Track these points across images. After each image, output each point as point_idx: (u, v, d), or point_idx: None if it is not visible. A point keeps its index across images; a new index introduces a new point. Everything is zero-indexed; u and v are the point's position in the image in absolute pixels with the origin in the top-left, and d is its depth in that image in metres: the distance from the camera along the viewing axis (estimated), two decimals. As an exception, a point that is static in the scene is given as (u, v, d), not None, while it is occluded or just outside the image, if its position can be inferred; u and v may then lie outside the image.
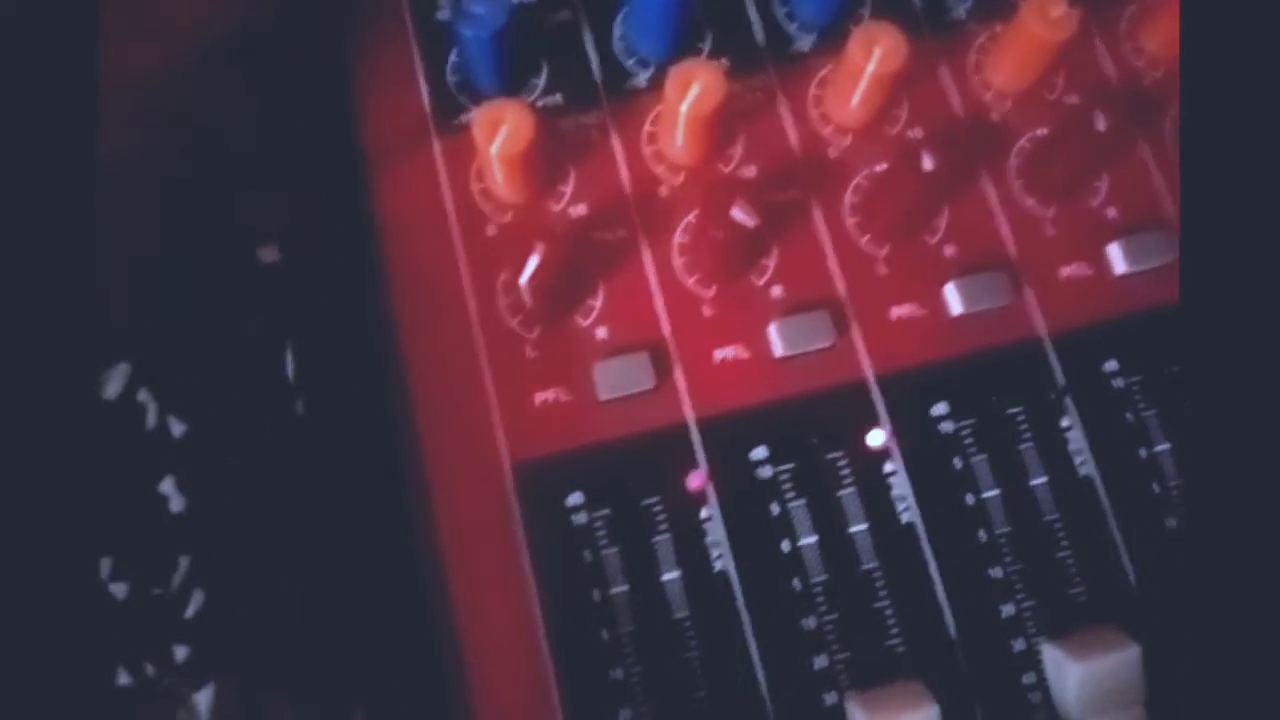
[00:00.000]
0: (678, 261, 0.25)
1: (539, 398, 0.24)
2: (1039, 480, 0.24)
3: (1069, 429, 0.24)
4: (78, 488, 0.31)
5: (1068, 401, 0.25)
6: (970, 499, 0.24)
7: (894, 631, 0.23)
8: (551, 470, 0.24)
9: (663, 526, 0.24)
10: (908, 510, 0.24)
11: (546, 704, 0.22)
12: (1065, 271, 0.26)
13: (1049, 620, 0.23)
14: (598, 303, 0.25)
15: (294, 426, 0.32)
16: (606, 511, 0.24)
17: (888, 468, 0.24)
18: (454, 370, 0.24)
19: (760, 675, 0.23)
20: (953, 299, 0.25)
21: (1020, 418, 0.24)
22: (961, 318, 0.25)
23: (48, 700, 0.28)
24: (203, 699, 0.33)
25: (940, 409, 0.24)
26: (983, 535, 0.24)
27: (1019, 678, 0.23)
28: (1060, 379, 0.25)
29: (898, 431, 0.24)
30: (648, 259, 0.25)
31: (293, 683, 0.33)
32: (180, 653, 0.33)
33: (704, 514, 0.24)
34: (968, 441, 0.24)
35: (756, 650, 0.23)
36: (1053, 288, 0.25)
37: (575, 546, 0.23)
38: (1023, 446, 0.24)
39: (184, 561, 0.34)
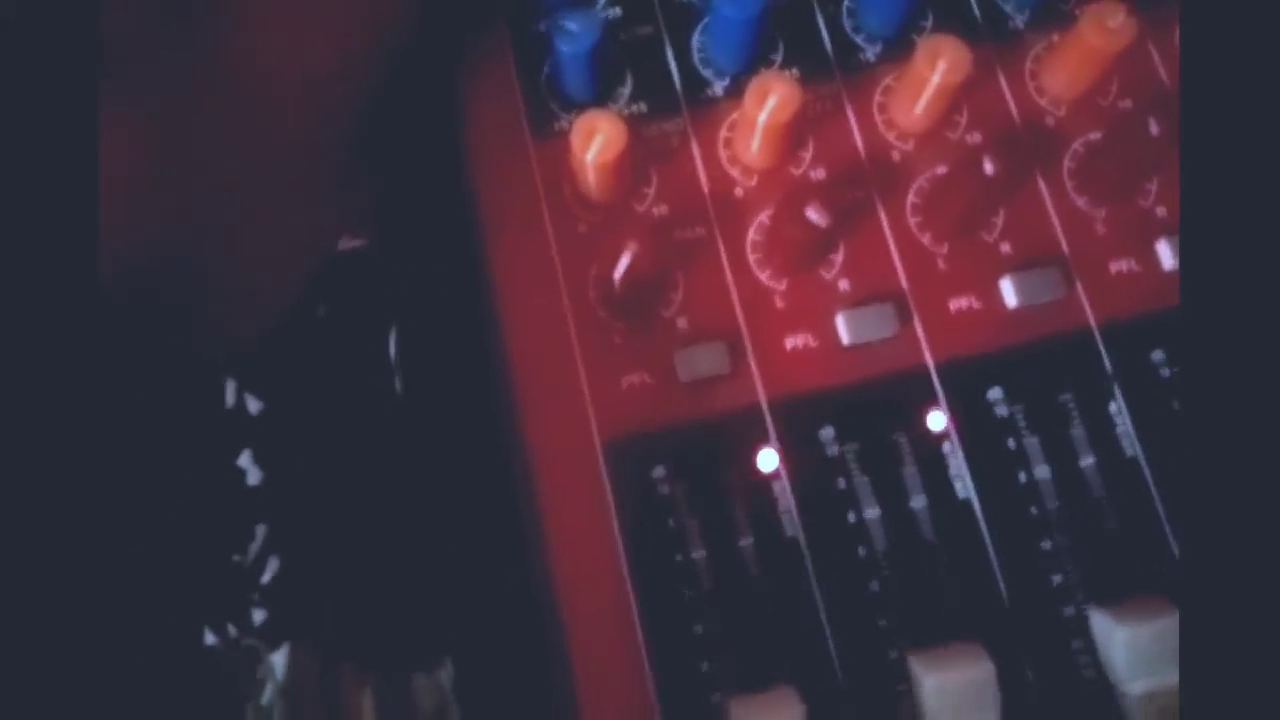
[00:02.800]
0: (752, 257, 0.27)
1: (626, 381, 0.27)
2: (1088, 460, 0.26)
3: (1117, 414, 0.26)
4: (166, 461, 0.34)
5: (1116, 388, 0.26)
6: (1023, 477, 0.26)
7: (951, 597, 0.25)
8: (638, 446, 0.26)
9: (739, 496, 0.26)
10: (965, 487, 0.26)
11: (635, 654, 0.25)
12: (1116, 267, 0.27)
13: (1097, 589, 0.25)
14: (678, 295, 0.27)
15: (389, 402, 0.35)
16: (687, 484, 0.26)
17: (946, 448, 0.26)
18: (551, 356, 0.27)
19: (828, 632, 0.25)
20: (1008, 292, 0.27)
21: (1071, 403, 0.26)
22: (1016, 310, 0.27)
23: (145, 653, 0.32)
24: (278, 658, 0.36)
25: (995, 394, 0.26)
26: (1034, 510, 0.26)
27: (1068, 642, 0.25)
28: (1109, 367, 0.27)
29: (955, 414, 0.26)
30: (724, 255, 0.27)
31: (363, 645, 0.35)
32: (258, 615, 0.36)
33: (775, 487, 0.26)
34: (1021, 424, 0.26)
35: (824, 610, 0.25)
36: (1104, 282, 0.27)
37: (659, 515, 0.26)
38: (1073, 429, 0.26)
39: (260, 530, 0.37)
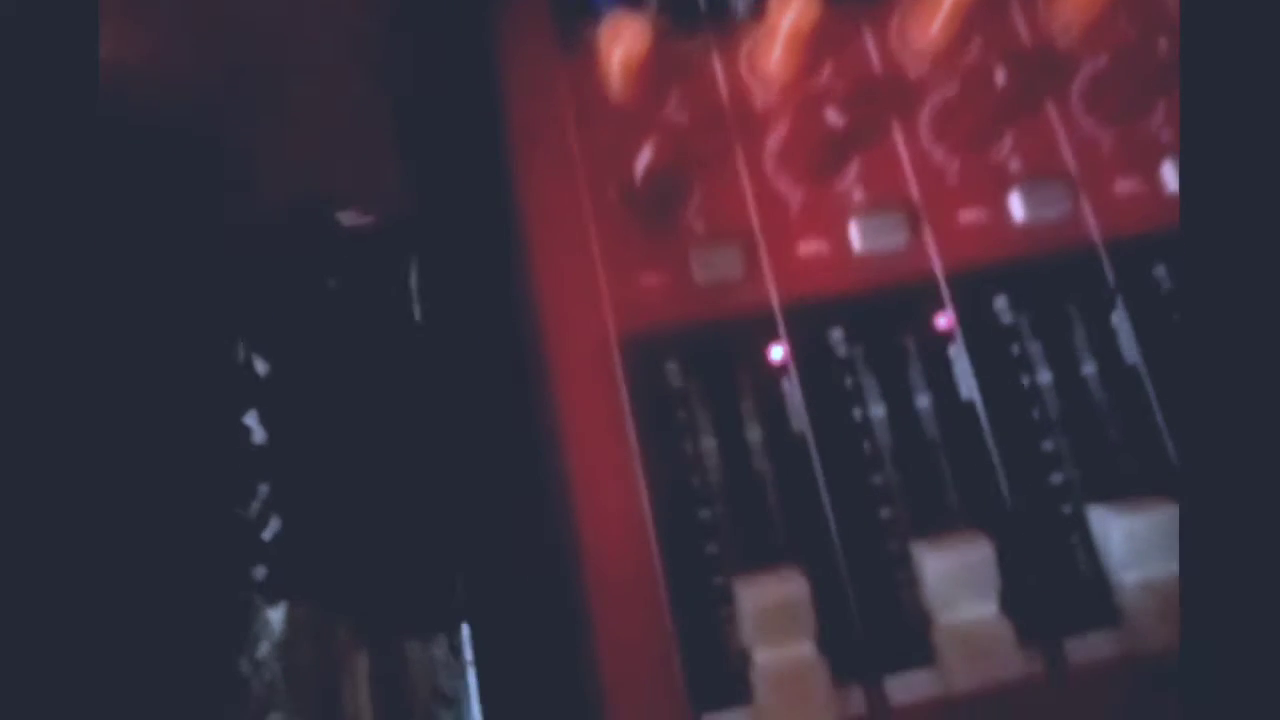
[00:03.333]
0: (769, 165, 0.28)
1: (643, 280, 0.28)
2: (1089, 367, 0.27)
3: (1119, 324, 0.27)
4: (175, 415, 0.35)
5: (1119, 300, 0.27)
6: (1026, 381, 0.27)
7: (953, 492, 0.26)
8: (652, 342, 0.27)
9: (748, 393, 0.27)
10: (969, 389, 0.27)
11: (644, 538, 0.26)
12: (1121, 186, 0.28)
13: (1095, 490, 0.26)
14: (697, 199, 0.28)
15: (396, 377, 0.35)
16: (699, 379, 0.27)
17: (952, 351, 0.27)
18: (571, 254, 0.28)
19: (831, 523, 0.26)
20: (1016, 207, 0.28)
21: (1074, 313, 0.27)
22: (1024, 223, 0.28)
23: (145, 601, 0.32)
24: (276, 615, 0.37)
25: (1001, 302, 0.27)
26: (1036, 413, 0.26)
27: (1067, 537, 0.25)
28: (1112, 281, 0.27)
29: (962, 320, 0.27)
30: (742, 162, 0.28)
31: (360, 609, 0.36)
32: (258, 571, 0.37)
33: (785, 384, 0.27)
34: (1026, 331, 0.27)
35: (829, 502, 0.26)
36: (1109, 200, 0.28)
37: (671, 408, 0.27)
38: (1076, 337, 0.27)
39: (263, 489, 0.38)
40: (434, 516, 0.34)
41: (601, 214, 0.28)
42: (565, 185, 0.28)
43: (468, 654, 0.36)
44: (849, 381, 0.27)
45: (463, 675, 0.38)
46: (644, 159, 0.26)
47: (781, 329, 0.27)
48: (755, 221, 0.28)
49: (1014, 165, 0.28)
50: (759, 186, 0.28)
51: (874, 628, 0.25)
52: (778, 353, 0.27)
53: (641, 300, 0.27)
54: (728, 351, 0.27)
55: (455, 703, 0.39)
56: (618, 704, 0.25)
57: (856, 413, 0.27)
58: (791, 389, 0.27)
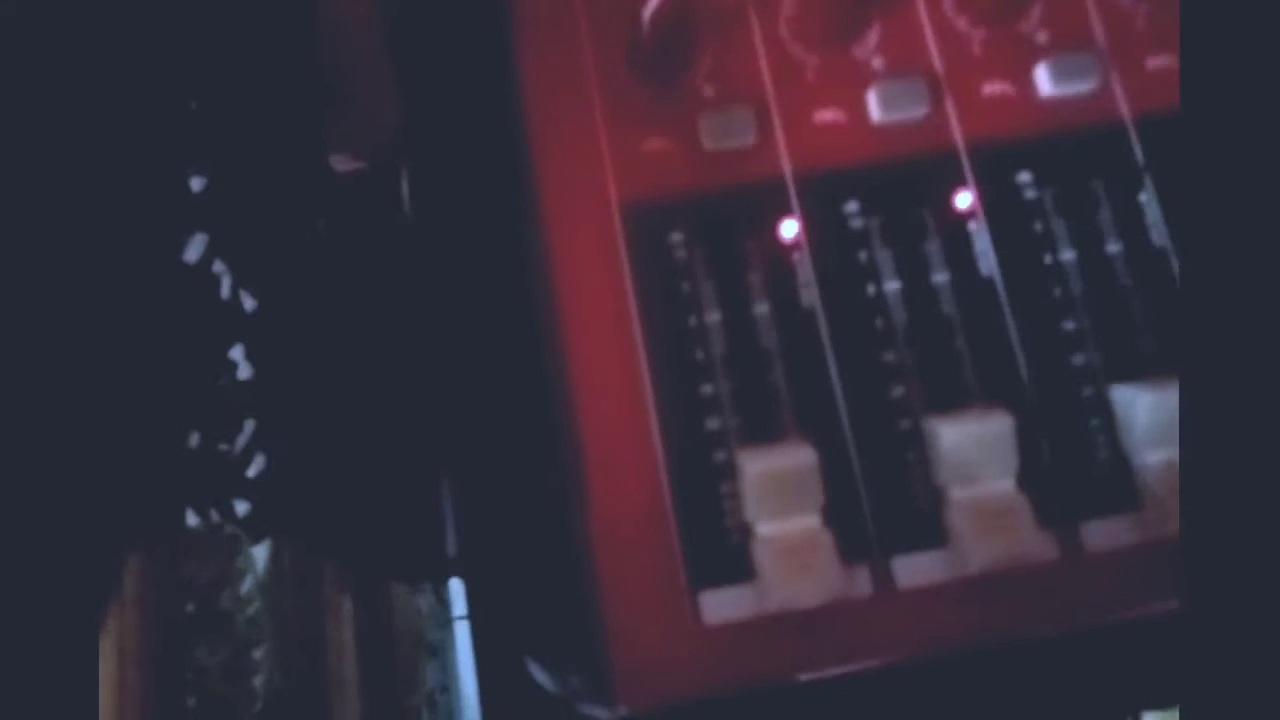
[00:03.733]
0: (785, 29, 0.27)
1: (648, 144, 0.26)
2: (1115, 247, 0.25)
3: (1147, 204, 0.26)
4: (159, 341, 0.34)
5: (1147, 179, 0.26)
6: (1049, 259, 0.25)
7: (969, 371, 0.25)
8: (656, 210, 0.26)
9: (756, 265, 0.25)
10: (988, 265, 0.25)
11: (644, 414, 0.24)
12: (1152, 63, 0.27)
13: (1117, 371, 0.25)
14: (707, 61, 0.26)
15: (384, 321, 0.33)
16: (705, 250, 0.25)
17: (972, 226, 0.26)
18: (572, 117, 0.26)
19: (840, 398, 0.24)
20: (1043, 80, 0.26)
21: (1100, 190, 0.26)
22: (1050, 98, 0.26)
23: (124, 523, 0.31)
24: (260, 552, 0.36)
25: (1025, 177, 0.26)
26: (1058, 291, 0.25)
27: (1087, 418, 0.24)
28: (1141, 159, 0.26)
29: (983, 195, 0.26)
30: (756, 25, 0.27)
31: (347, 551, 0.35)
32: (241, 507, 0.36)
33: (796, 256, 0.25)
34: (1049, 208, 0.26)
35: (838, 376, 0.25)
36: (1140, 76, 0.27)
37: (675, 279, 0.25)
38: (1101, 216, 0.26)
39: (249, 425, 0.37)
40: (423, 456, 0.33)
41: (605, 73, 0.26)
42: (567, 40, 0.26)
43: (455, 609, 0.35)
44: (863, 255, 0.25)
45: (448, 626, 0.37)
46: (650, 10, 0.25)
47: (794, 199, 0.26)
48: (769, 86, 0.26)
49: (1041, 37, 0.27)
50: (774, 49, 0.26)
51: (884, 506, 0.24)
52: (789, 224, 0.26)
53: (646, 166, 0.26)
54: (736, 221, 0.26)
55: (440, 651, 0.38)
56: (613, 581, 0.23)
57: (870, 288, 0.25)
58: (802, 262, 0.25)
